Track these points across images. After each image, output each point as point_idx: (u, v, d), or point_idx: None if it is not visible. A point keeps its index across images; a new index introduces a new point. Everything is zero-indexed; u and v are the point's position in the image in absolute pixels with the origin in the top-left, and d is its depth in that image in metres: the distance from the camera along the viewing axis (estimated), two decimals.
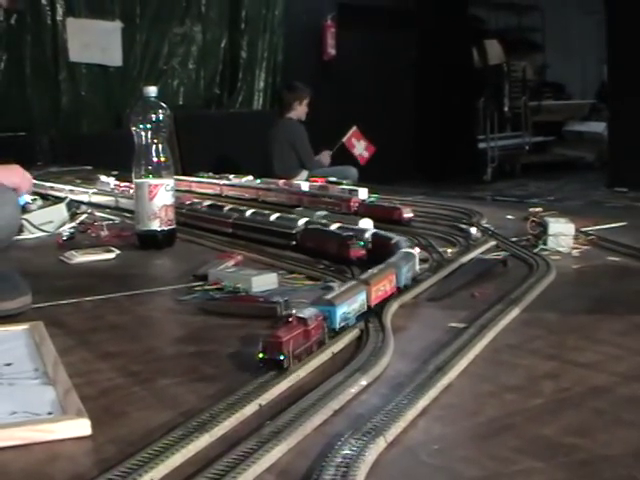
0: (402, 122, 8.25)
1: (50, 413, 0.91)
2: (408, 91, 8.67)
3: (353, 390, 0.96)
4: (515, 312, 1.32)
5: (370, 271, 1.32)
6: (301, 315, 1.05)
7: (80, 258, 1.97)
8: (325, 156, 6.08)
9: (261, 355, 1.00)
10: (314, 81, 7.01)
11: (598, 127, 10.29)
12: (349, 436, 0.81)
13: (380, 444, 0.80)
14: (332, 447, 0.78)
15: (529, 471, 0.76)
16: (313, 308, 1.10)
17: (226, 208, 2.36)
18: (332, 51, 8.41)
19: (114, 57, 7.46)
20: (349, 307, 1.16)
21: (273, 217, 2.13)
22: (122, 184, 3.29)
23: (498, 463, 0.78)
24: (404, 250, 1.55)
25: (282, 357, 0.98)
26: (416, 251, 1.59)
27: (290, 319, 1.04)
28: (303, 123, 6.19)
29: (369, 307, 1.24)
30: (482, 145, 10.07)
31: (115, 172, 3.86)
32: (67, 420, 0.86)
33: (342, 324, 1.15)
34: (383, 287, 1.30)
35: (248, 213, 2.25)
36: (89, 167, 4.98)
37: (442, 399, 0.95)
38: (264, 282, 1.51)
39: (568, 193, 6.53)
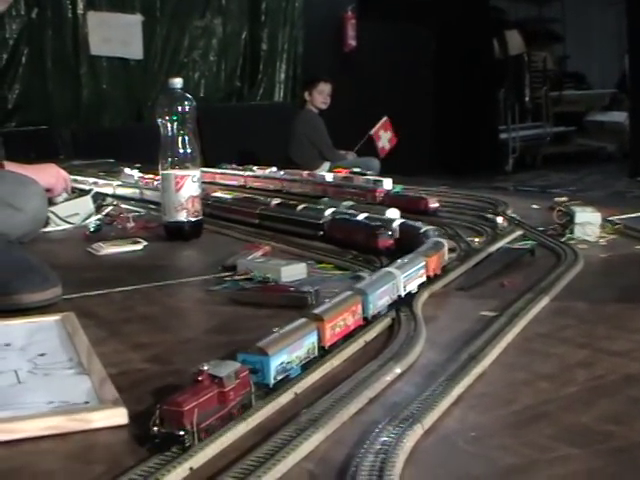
0: (422, 113, 8.24)
1: (87, 402, 0.92)
2: (428, 82, 8.66)
3: (388, 378, 0.96)
4: (545, 301, 1.31)
5: (325, 305, 1.09)
6: (215, 373, 0.83)
7: (108, 250, 1.98)
8: (350, 156, 6.09)
9: (155, 428, 0.78)
10: (334, 72, 7.02)
11: (619, 117, 10.26)
12: (386, 424, 0.81)
13: (417, 432, 0.80)
14: (369, 435, 0.79)
15: (566, 458, 0.76)
16: (235, 362, 0.87)
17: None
18: (352, 42, 8.41)
19: (135, 50, 7.49)
20: (290, 355, 0.95)
21: (300, 208, 2.14)
22: (146, 176, 3.31)
23: (535, 450, 0.78)
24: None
25: (182, 432, 0.76)
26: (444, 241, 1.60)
27: (200, 378, 0.82)
28: (323, 113, 6.18)
29: (323, 348, 1.03)
30: (503, 136, 10.06)
31: (138, 165, 3.87)
32: (104, 409, 0.87)
33: (280, 377, 0.93)
34: (343, 322, 1.08)
35: (274, 204, 2.26)
36: (111, 160, 5.00)
37: (476, 388, 0.95)
38: (293, 272, 1.52)
39: (590, 184, 6.52)
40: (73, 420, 0.85)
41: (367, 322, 1.13)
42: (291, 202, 2.28)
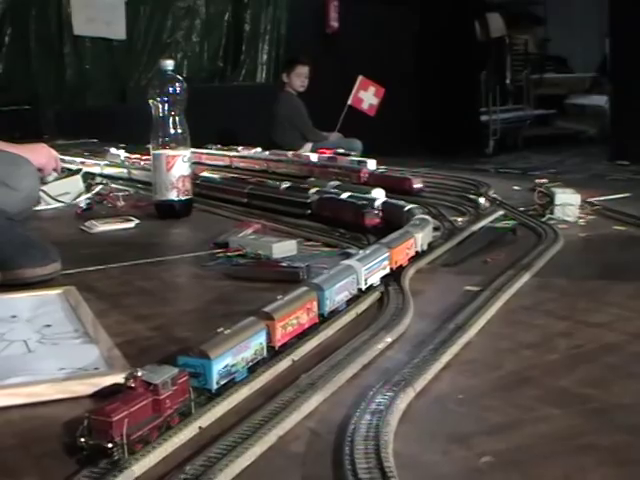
0: (405, 95, 8.26)
1: (96, 368, 0.97)
2: (410, 64, 8.69)
3: (379, 346, 1.02)
4: (527, 276, 1.38)
5: (276, 302, 1.02)
6: (149, 379, 0.78)
7: (101, 227, 2.03)
8: (332, 137, 6.10)
9: (82, 439, 0.72)
10: (317, 54, 7.04)
11: (600, 100, 10.30)
12: (380, 387, 0.87)
13: (409, 394, 0.86)
14: (365, 397, 0.84)
15: (548, 417, 0.82)
16: (173, 367, 0.81)
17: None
18: (335, 24, 8.42)
19: (118, 31, 7.48)
20: (235, 357, 0.89)
21: (287, 187, 2.19)
22: (132, 156, 3.35)
23: (520, 411, 0.84)
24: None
25: (110, 445, 0.71)
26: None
27: (133, 385, 0.77)
28: (305, 94, 6.20)
29: (273, 348, 0.98)
30: (484, 118, 10.10)
31: (122, 145, 3.91)
32: (114, 374, 0.92)
33: (224, 382, 0.87)
34: (296, 320, 1.03)
35: (263, 183, 2.32)
36: (95, 140, 5.03)
37: (463, 355, 1.01)
38: (284, 249, 1.57)
39: (570, 166, 6.58)
40: (85, 384, 0.90)
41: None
42: (279, 182, 2.33)
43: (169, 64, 2.14)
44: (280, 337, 0.98)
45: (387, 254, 1.32)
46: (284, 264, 1.46)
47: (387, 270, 1.32)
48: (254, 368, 0.93)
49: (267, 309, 0.99)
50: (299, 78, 6.08)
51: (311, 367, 0.95)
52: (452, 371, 0.96)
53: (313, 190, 2.09)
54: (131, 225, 2.06)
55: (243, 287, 1.38)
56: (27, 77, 6.94)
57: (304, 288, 1.09)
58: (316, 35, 8.27)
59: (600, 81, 11.24)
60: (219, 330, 0.90)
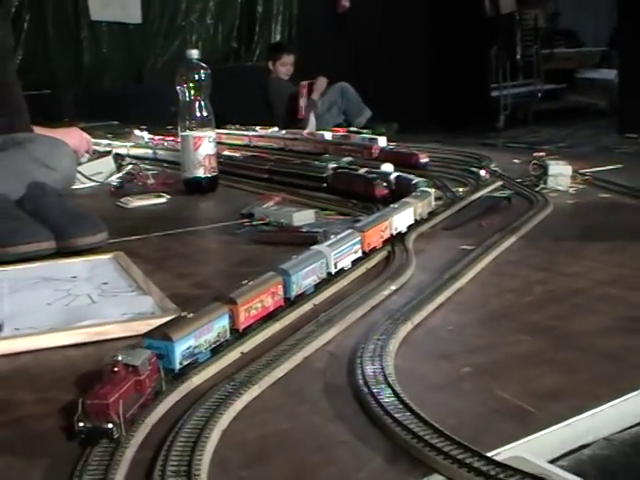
0: (416, 72, 8.37)
1: (152, 313, 1.18)
2: (422, 41, 8.80)
3: (385, 292, 1.23)
4: (515, 237, 1.58)
5: (241, 288, 1.07)
6: (130, 362, 0.82)
7: (136, 203, 2.24)
8: (321, 80, 6.12)
9: (81, 424, 0.76)
10: (328, 33, 7.21)
11: (609, 74, 10.41)
12: (384, 322, 1.07)
13: (408, 326, 1.07)
14: (372, 329, 1.05)
15: (519, 342, 1.03)
16: (143, 349, 0.87)
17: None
18: (346, 3, 8.55)
19: (133, 14, 7.66)
20: (198, 340, 0.94)
21: (304, 163, 2.41)
22: (156, 137, 3.56)
23: (497, 337, 1.05)
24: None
25: (110, 426, 0.75)
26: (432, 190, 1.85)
27: (116, 369, 0.81)
28: (314, 75, 6.34)
29: (237, 331, 1.03)
30: (495, 93, 10.24)
31: (144, 126, 4.10)
32: (169, 315, 1.12)
33: (187, 362, 0.92)
34: (260, 304, 1.08)
35: (282, 160, 2.53)
36: (115, 122, 5.22)
37: (455, 298, 1.22)
38: (303, 217, 1.78)
39: (579, 139, 6.69)
40: (146, 324, 1.10)
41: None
42: (297, 159, 2.54)
43: (194, 53, 2.35)
44: (244, 320, 1.04)
45: (359, 238, 1.39)
46: (303, 230, 1.67)
47: (359, 254, 1.39)
48: (217, 349, 0.99)
49: (232, 294, 1.04)
50: (284, 67, 6.15)
51: (329, 308, 1.16)
52: (444, 309, 1.17)
53: (329, 165, 2.30)
54: (163, 200, 2.27)
55: (268, 250, 1.59)
56: (46, 62, 7.11)
57: (270, 273, 1.14)
58: (328, 14, 8.38)
59: (610, 55, 11.35)
60: (183, 314, 0.96)
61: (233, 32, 8.39)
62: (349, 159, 2.49)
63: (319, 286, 1.24)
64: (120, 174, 2.73)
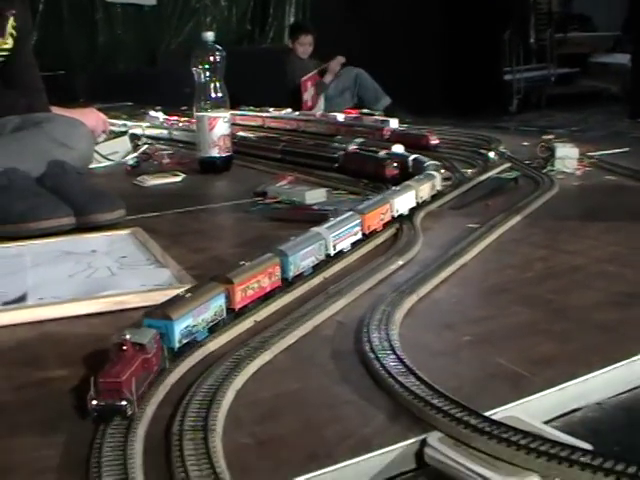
0: (430, 55, 8.38)
1: (170, 284, 1.24)
2: (435, 25, 8.81)
3: (392, 267, 1.29)
4: (519, 217, 1.63)
5: (239, 268, 1.10)
6: (138, 340, 0.84)
7: (152, 181, 2.30)
8: (335, 62, 6.21)
9: (94, 402, 0.77)
10: (342, 16, 7.23)
11: (623, 58, 10.39)
12: (390, 294, 1.13)
13: (413, 298, 1.12)
14: (379, 301, 1.11)
15: (517, 313, 1.09)
16: (148, 328, 0.89)
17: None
18: None
19: None
20: (196, 319, 0.96)
21: (317, 144, 2.46)
22: (171, 118, 3.61)
23: (496, 309, 1.11)
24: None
25: (124, 403, 0.77)
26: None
27: (124, 347, 0.82)
28: (329, 58, 6.39)
29: (233, 310, 1.06)
30: (508, 77, 10.25)
31: (158, 107, 4.16)
32: (186, 286, 1.18)
33: (186, 340, 0.95)
34: (257, 284, 1.10)
35: (294, 141, 2.58)
36: (130, 103, 5.27)
37: (458, 273, 1.28)
38: (315, 196, 1.84)
39: (592, 124, 6.70)
40: (164, 294, 1.15)
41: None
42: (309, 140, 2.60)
43: (210, 35, 2.40)
44: (240, 300, 1.06)
45: (358, 220, 1.42)
46: (315, 208, 1.73)
47: (359, 236, 1.42)
48: (214, 328, 1.01)
49: (229, 274, 1.06)
50: (302, 46, 6.25)
51: (337, 281, 1.22)
52: (448, 284, 1.22)
53: (340, 146, 2.35)
54: (178, 179, 2.33)
55: (281, 226, 1.64)
56: (61, 43, 7.16)
57: (268, 254, 1.17)
58: None
59: (623, 39, 11.34)
60: (181, 293, 0.99)
61: (247, 14, 8.42)
62: (360, 140, 2.54)
63: (317, 267, 1.27)
64: (136, 153, 2.79)
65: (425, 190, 1.73)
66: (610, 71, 11.06)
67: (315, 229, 1.32)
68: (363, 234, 1.44)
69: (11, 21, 2.43)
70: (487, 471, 0.68)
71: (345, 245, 1.37)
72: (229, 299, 1.05)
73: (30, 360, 0.99)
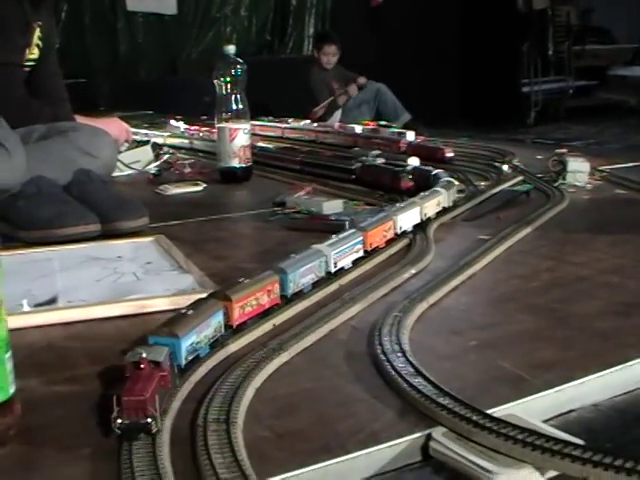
0: (448, 67, 8.45)
1: (193, 289, 1.30)
2: (454, 36, 8.86)
3: (405, 276, 1.35)
4: (529, 229, 1.69)
5: (238, 285, 1.12)
6: (154, 358, 0.85)
7: (174, 190, 2.37)
8: (353, 87, 6.32)
9: (119, 421, 0.77)
10: (361, 28, 7.31)
11: None
12: (402, 301, 1.19)
13: (424, 305, 1.18)
14: (392, 308, 1.17)
15: (522, 321, 1.15)
16: (160, 346, 0.89)
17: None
18: None
19: (169, 5, 7.78)
20: (199, 335, 0.98)
21: (335, 155, 2.53)
22: (192, 127, 3.68)
23: (503, 316, 1.17)
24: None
25: (149, 420, 0.78)
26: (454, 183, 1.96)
27: (142, 365, 0.83)
28: (347, 68, 6.48)
29: (231, 327, 1.07)
30: (526, 89, 10.29)
31: (179, 116, 4.23)
32: (207, 292, 1.24)
33: (191, 357, 0.96)
34: (255, 301, 1.12)
35: (314, 152, 2.65)
36: (150, 112, 5.34)
37: (468, 282, 1.34)
38: (332, 206, 1.90)
39: (609, 137, 6.75)
40: (187, 299, 1.22)
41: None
42: (327, 151, 2.67)
43: (231, 49, 2.47)
44: (237, 317, 1.08)
45: (360, 238, 1.44)
46: (332, 218, 1.79)
47: (361, 253, 1.43)
48: (214, 344, 1.02)
49: (227, 291, 1.08)
50: (326, 56, 6.36)
51: (353, 288, 1.28)
52: (458, 292, 1.28)
53: (357, 158, 2.41)
54: (199, 188, 2.40)
55: (299, 236, 1.70)
56: (82, 51, 7.23)
57: (268, 272, 1.18)
58: (360, 9, 8.47)
59: None
60: (182, 311, 1.00)
61: (267, 24, 8.50)
62: (377, 152, 2.60)
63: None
64: (158, 162, 2.86)
65: (430, 207, 1.75)
66: (629, 84, 11.10)
67: (316, 246, 1.34)
68: (365, 251, 1.46)
69: (37, 32, 2.50)
70: (486, 463, 0.74)
71: (346, 262, 1.39)
72: (227, 316, 1.06)
73: (61, 359, 1.06)
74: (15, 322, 0.83)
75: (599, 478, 0.69)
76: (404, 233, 1.62)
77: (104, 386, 0.94)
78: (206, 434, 0.78)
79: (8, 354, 0.80)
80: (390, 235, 1.56)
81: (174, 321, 0.96)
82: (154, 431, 0.78)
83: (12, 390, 0.81)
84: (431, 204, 1.76)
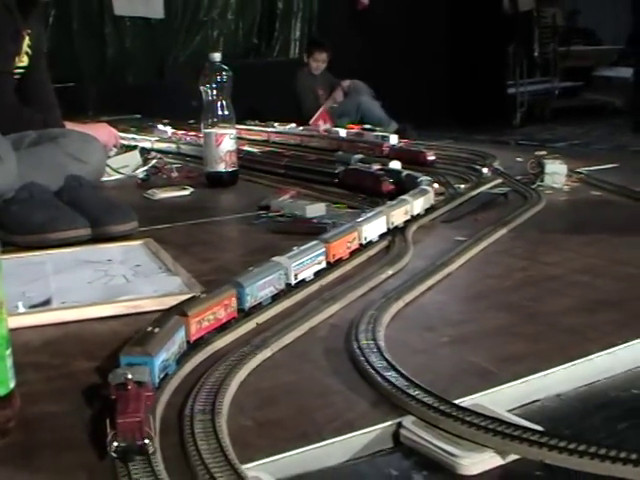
0: (435, 69, 8.51)
1: (181, 291, 1.36)
2: (440, 38, 8.93)
3: (383, 276, 1.41)
4: (504, 230, 1.76)
5: (195, 300, 1.13)
6: (139, 378, 0.85)
7: (162, 194, 2.43)
8: (338, 93, 6.43)
9: (115, 444, 0.76)
10: (347, 31, 7.38)
11: (627, 72, 10.51)
12: (379, 299, 1.25)
13: (399, 303, 1.25)
14: (370, 306, 1.23)
15: (494, 318, 1.21)
16: (141, 366, 0.89)
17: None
18: (365, 1, 8.70)
19: (156, 10, 7.82)
20: (168, 353, 0.98)
21: (318, 160, 2.59)
22: (179, 132, 3.74)
23: (475, 313, 1.24)
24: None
25: (147, 441, 0.76)
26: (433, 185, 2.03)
27: (129, 387, 0.82)
28: (334, 71, 6.56)
29: (188, 342, 1.06)
30: (512, 90, 10.36)
31: (166, 120, 4.29)
32: (194, 293, 1.29)
33: (162, 375, 0.95)
34: (212, 315, 1.12)
35: (297, 157, 2.71)
36: (138, 115, 5.40)
37: (444, 281, 1.40)
38: (315, 210, 1.96)
39: (594, 137, 6.81)
40: (175, 299, 1.26)
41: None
42: (311, 155, 2.73)
43: (217, 56, 2.54)
44: (195, 332, 1.07)
45: (323, 249, 1.44)
46: (315, 221, 1.85)
47: (323, 265, 1.43)
48: (179, 360, 1.02)
49: (184, 307, 1.08)
50: (315, 62, 6.48)
51: (332, 287, 1.34)
52: (433, 291, 1.35)
53: (340, 162, 2.48)
54: (187, 193, 2.46)
55: (283, 238, 1.76)
56: (70, 56, 7.25)
57: (225, 286, 1.19)
58: (347, 12, 8.52)
59: (628, 53, 11.44)
60: (149, 329, 0.98)
61: (254, 28, 8.54)
62: (360, 156, 2.66)
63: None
64: (146, 167, 2.91)
65: (397, 216, 1.76)
66: (614, 85, 11.18)
67: (276, 258, 1.33)
68: (328, 263, 1.45)
69: (27, 40, 2.56)
70: (451, 447, 0.80)
71: (308, 274, 1.38)
72: (186, 331, 1.06)
73: (57, 356, 1.11)
74: (11, 323, 0.87)
75: (554, 460, 0.76)
76: (370, 243, 1.63)
77: (99, 381, 0.99)
78: (193, 423, 0.83)
79: (8, 351, 0.86)
80: (354, 246, 1.56)
81: (144, 340, 0.95)
82: (151, 452, 0.76)
83: (12, 385, 0.86)
84: (398, 213, 1.76)
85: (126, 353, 0.92)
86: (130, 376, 0.83)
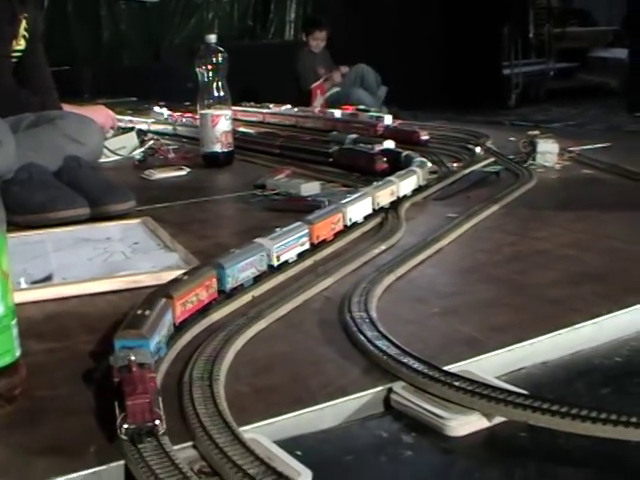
0: (430, 49, 8.52)
1: (179, 266, 1.40)
2: (436, 19, 8.93)
3: (376, 251, 1.45)
4: (496, 207, 1.79)
5: (178, 282, 1.12)
6: (142, 360, 0.84)
7: (159, 175, 2.46)
8: (337, 74, 6.52)
9: (125, 426, 0.75)
10: (342, 12, 7.39)
11: (622, 53, 10.52)
12: (372, 273, 1.29)
13: (391, 277, 1.28)
14: (361, 279, 1.26)
15: (483, 290, 1.25)
16: (143, 349, 0.88)
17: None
18: None
19: None
20: (159, 335, 0.96)
21: (313, 139, 2.62)
22: (175, 114, 3.77)
23: (465, 286, 1.27)
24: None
25: (157, 422, 0.75)
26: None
27: (133, 369, 0.82)
28: (335, 52, 6.62)
29: (175, 325, 1.05)
30: (507, 71, 10.36)
31: (162, 102, 4.31)
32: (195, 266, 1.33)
33: (155, 358, 0.93)
34: (195, 297, 1.11)
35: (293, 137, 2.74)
36: (134, 98, 5.42)
37: (435, 256, 1.44)
38: (310, 188, 1.99)
39: (589, 118, 6.82)
40: (173, 275, 1.30)
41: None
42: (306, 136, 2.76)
43: (212, 38, 2.56)
44: (180, 314, 1.07)
45: (306, 231, 1.43)
46: (310, 199, 1.89)
47: (306, 246, 1.42)
48: (169, 342, 1.02)
49: (169, 289, 1.07)
50: (315, 41, 6.58)
51: (326, 262, 1.38)
52: (425, 265, 1.38)
53: (335, 142, 2.51)
54: (183, 173, 2.49)
55: (278, 216, 1.79)
56: (66, 39, 7.30)
57: (206, 267, 1.18)
58: None
59: (622, 34, 11.45)
60: (139, 312, 0.98)
61: (249, 10, 8.57)
62: (354, 136, 2.69)
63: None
64: (143, 149, 2.94)
65: (383, 197, 1.75)
66: (609, 66, 11.17)
67: (258, 240, 1.33)
68: (311, 244, 1.44)
69: (24, 24, 2.58)
70: (439, 410, 0.84)
71: (291, 256, 1.38)
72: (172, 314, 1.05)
73: (58, 329, 1.15)
74: (14, 298, 0.92)
75: (538, 421, 0.79)
76: (354, 225, 1.62)
77: (99, 351, 1.03)
78: (191, 389, 0.87)
79: (14, 321, 0.89)
80: (339, 227, 1.55)
81: (136, 322, 0.95)
82: (161, 432, 0.75)
83: (18, 354, 0.90)
84: (384, 193, 1.76)
85: (120, 337, 0.90)
86: (133, 358, 0.84)
